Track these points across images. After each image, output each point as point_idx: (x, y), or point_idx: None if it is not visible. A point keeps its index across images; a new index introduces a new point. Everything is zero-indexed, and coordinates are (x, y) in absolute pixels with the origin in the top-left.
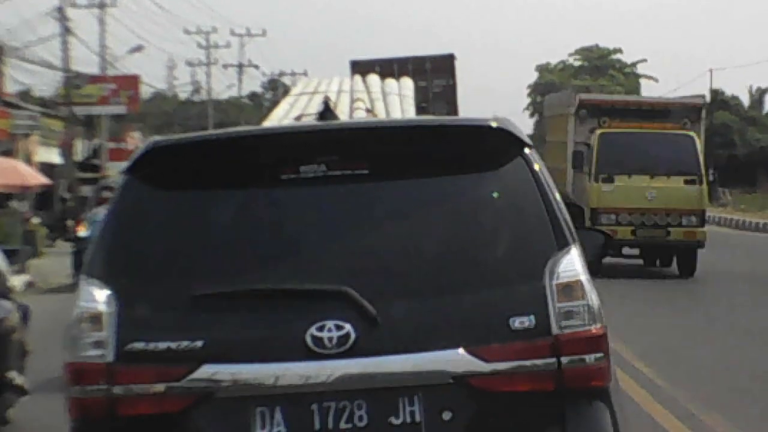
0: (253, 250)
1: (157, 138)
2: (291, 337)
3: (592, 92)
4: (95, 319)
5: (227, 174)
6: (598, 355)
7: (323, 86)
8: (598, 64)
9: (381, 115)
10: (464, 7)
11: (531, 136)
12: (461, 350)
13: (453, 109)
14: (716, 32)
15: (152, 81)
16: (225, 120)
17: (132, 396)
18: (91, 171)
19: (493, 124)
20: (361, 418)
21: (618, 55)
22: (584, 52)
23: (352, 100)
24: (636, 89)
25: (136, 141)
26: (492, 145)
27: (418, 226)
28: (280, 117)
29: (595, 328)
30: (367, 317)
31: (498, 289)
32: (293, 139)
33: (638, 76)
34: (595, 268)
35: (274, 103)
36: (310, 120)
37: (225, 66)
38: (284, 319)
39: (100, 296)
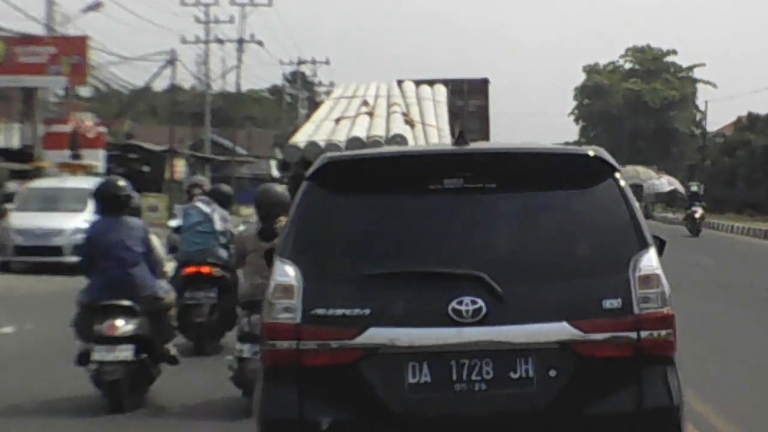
0: (408, 241)
1: (330, 154)
2: (437, 309)
3: (645, 97)
4: (287, 290)
5: (387, 182)
6: (669, 330)
7: (361, 91)
8: (652, 67)
9: (416, 119)
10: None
11: (577, 143)
12: (565, 323)
13: (485, 126)
14: None
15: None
16: (231, 114)
17: (314, 350)
18: (21, 161)
19: (591, 153)
20: (487, 373)
21: (672, 58)
22: (636, 53)
23: (389, 105)
24: (692, 95)
25: (86, 126)
26: (590, 168)
27: (533, 229)
28: (321, 118)
29: (666, 310)
30: (495, 295)
31: (594, 278)
32: (439, 158)
33: (695, 80)
34: None
35: (295, 99)
36: (445, 143)
37: (221, 41)
38: (432, 295)
39: (290, 273)
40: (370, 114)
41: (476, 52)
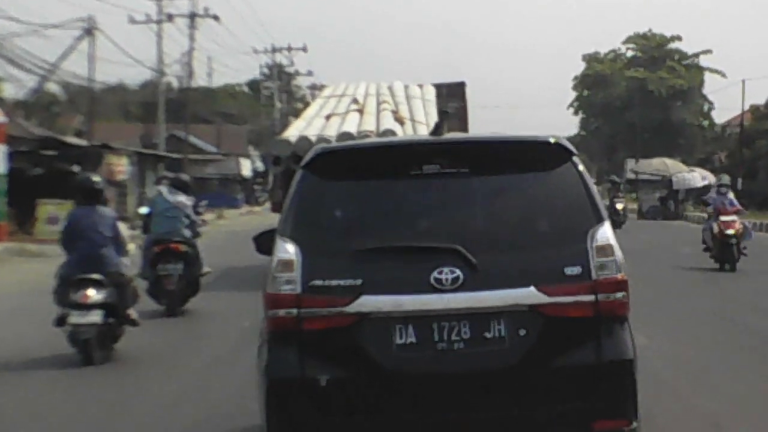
0: (393, 220)
1: (323, 145)
2: (420, 278)
3: (649, 86)
4: (288, 264)
5: (373, 169)
6: (623, 293)
7: (351, 89)
8: (655, 54)
9: (406, 116)
10: None
11: (577, 136)
12: (532, 288)
13: (464, 126)
14: None
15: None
16: (203, 109)
17: (313, 316)
18: None
19: (552, 140)
20: (465, 333)
21: (677, 44)
22: (638, 40)
23: (379, 102)
24: (700, 84)
25: None
26: (552, 153)
27: (502, 207)
28: (312, 115)
29: (620, 276)
30: (471, 265)
31: (557, 248)
32: (418, 147)
33: (702, 69)
34: None
35: (271, 94)
36: (421, 133)
37: (170, 16)
38: (415, 266)
39: (291, 249)
40: (360, 111)
41: (470, 45)
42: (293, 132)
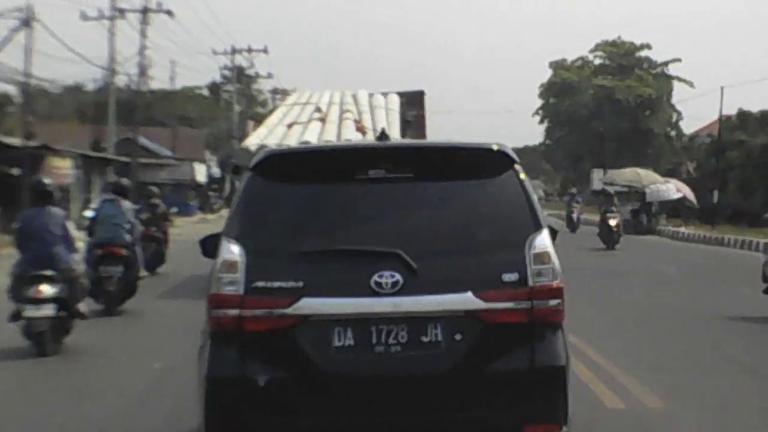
0: (337, 223)
1: (272, 148)
2: (361, 282)
3: (617, 95)
4: (232, 265)
5: (320, 173)
6: (558, 300)
7: (315, 98)
8: (624, 62)
9: (368, 126)
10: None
11: (542, 146)
12: (470, 294)
13: (422, 134)
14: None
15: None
16: (161, 112)
17: (254, 317)
18: None
19: (495, 148)
20: (403, 337)
21: (646, 52)
22: (606, 48)
23: (342, 111)
24: (668, 93)
25: None
26: (494, 160)
27: (444, 213)
28: (275, 123)
29: (555, 283)
30: (411, 270)
31: (495, 254)
32: (364, 152)
33: (670, 78)
34: None
35: (228, 96)
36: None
37: (121, 11)
38: (357, 269)
39: (235, 251)
40: (323, 120)
41: (436, 49)
42: (254, 140)
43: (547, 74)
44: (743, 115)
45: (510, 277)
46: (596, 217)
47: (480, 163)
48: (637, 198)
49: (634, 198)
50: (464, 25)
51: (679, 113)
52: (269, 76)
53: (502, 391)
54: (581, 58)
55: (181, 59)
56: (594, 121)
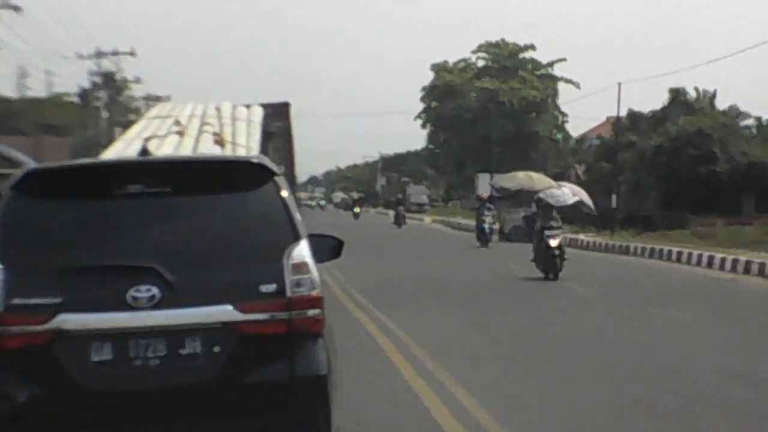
0: (96, 239)
1: (34, 165)
2: (117, 296)
3: (501, 97)
4: None
5: (80, 189)
6: (317, 311)
7: (176, 111)
8: (508, 63)
9: (228, 138)
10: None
11: (424, 150)
12: (228, 306)
13: (288, 145)
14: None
15: None
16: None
17: (12, 334)
18: None
19: (254, 161)
20: (161, 350)
21: (530, 53)
22: (490, 49)
23: (202, 124)
24: (554, 95)
25: None
26: (254, 173)
27: (203, 226)
28: (132, 137)
29: (314, 293)
30: (168, 284)
31: (254, 266)
32: (123, 167)
33: (555, 78)
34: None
35: (100, 103)
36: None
37: None
38: (114, 284)
39: None
40: (181, 134)
41: (313, 50)
42: (110, 155)
43: (429, 77)
44: (633, 116)
45: (268, 288)
46: (495, 225)
47: (240, 176)
48: (529, 203)
49: (525, 203)
50: (342, 26)
51: (565, 115)
52: (137, 80)
53: (263, 401)
54: (464, 60)
55: (44, 64)
56: (478, 125)
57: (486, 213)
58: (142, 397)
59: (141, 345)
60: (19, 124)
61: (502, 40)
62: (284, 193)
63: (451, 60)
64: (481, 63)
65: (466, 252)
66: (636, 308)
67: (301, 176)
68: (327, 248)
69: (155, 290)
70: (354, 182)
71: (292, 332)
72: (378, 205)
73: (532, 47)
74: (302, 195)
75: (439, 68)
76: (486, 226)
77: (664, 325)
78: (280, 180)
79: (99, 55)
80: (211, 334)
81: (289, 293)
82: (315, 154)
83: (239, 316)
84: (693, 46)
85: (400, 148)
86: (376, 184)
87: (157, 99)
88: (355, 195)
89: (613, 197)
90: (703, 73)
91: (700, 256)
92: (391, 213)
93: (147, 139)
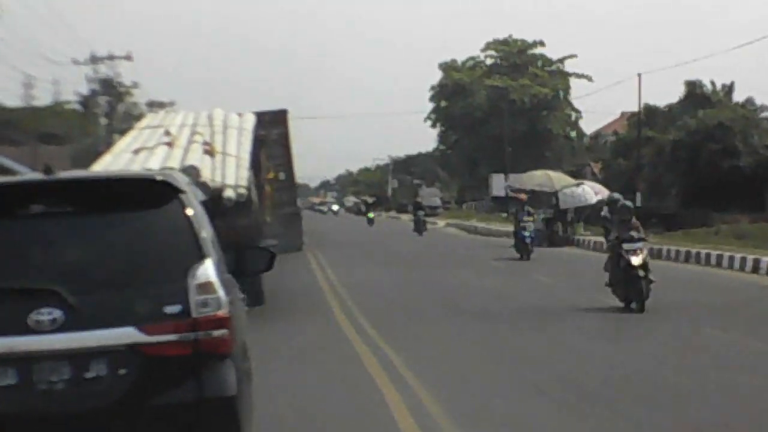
0: None
1: None
2: (18, 320)
3: (512, 95)
4: None
5: None
6: (224, 331)
7: (167, 121)
8: (517, 60)
9: (218, 147)
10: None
11: (436, 151)
12: (132, 328)
13: (287, 152)
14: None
15: None
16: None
17: None
18: None
19: (159, 178)
20: (65, 374)
21: (540, 50)
22: (498, 46)
23: (192, 134)
24: (566, 91)
25: None
26: (158, 191)
27: (106, 246)
28: (122, 149)
29: (221, 313)
30: (71, 306)
31: (158, 287)
32: (25, 187)
33: (567, 74)
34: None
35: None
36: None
37: None
38: (14, 307)
39: None
40: (170, 144)
41: (320, 49)
42: (98, 169)
43: (437, 76)
44: (650, 110)
45: (172, 309)
46: (511, 228)
47: (143, 194)
48: (549, 204)
49: (545, 205)
50: (348, 25)
51: (578, 112)
52: (135, 85)
53: (172, 424)
54: (472, 58)
55: (41, 72)
56: (489, 124)
57: (526, 218)
58: (49, 422)
59: (45, 369)
60: (16, 133)
61: (510, 36)
62: (189, 211)
63: (459, 58)
64: (489, 61)
65: (502, 265)
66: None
67: (314, 181)
68: (259, 261)
69: (57, 313)
70: (365, 186)
71: (199, 353)
72: (390, 209)
73: (541, 43)
74: (314, 200)
75: (447, 67)
76: (527, 233)
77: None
78: (186, 197)
79: (94, 60)
80: (116, 356)
81: (194, 314)
82: (326, 157)
83: (144, 338)
84: (706, 37)
85: (410, 150)
86: (388, 187)
87: (161, 105)
88: (369, 199)
89: (638, 195)
90: (717, 65)
91: (743, 259)
92: (404, 217)
93: (136, 152)
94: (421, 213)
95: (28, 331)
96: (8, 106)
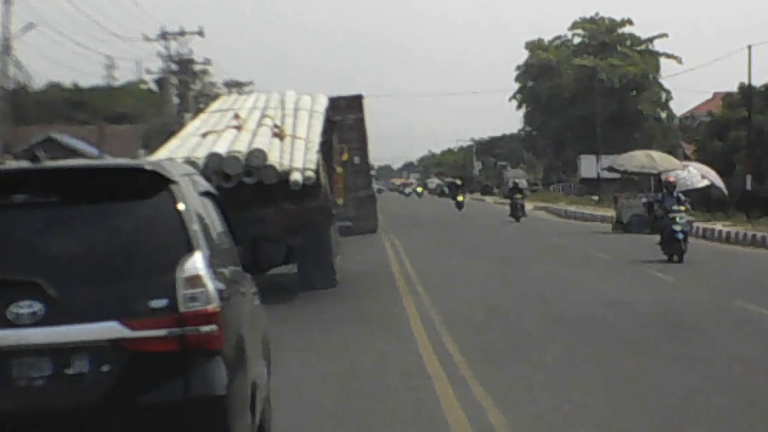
0: None
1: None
2: None
3: (600, 75)
4: None
5: None
6: (213, 327)
7: (238, 104)
8: (606, 39)
9: (288, 130)
10: None
11: (522, 132)
12: (115, 322)
13: (362, 137)
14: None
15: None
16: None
17: None
18: None
19: (148, 168)
20: (46, 369)
21: (628, 28)
22: (586, 25)
23: (261, 117)
24: (655, 71)
25: None
26: (147, 180)
27: (91, 238)
28: (190, 133)
29: (210, 308)
30: (52, 299)
31: (144, 280)
32: (8, 175)
33: (656, 54)
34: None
35: (173, 90)
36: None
37: None
38: None
39: None
40: (239, 128)
41: (405, 29)
42: (163, 153)
43: (523, 55)
44: (746, 90)
45: (158, 303)
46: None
47: (132, 184)
48: (649, 187)
49: (646, 187)
50: (435, 3)
51: (668, 92)
52: (206, 62)
53: (156, 423)
54: (559, 37)
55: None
56: (577, 104)
57: (676, 208)
58: (29, 419)
59: (25, 364)
60: (87, 113)
61: (597, 14)
62: (179, 202)
63: (546, 37)
64: (577, 40)
65: (642, 270)
66: None
67: (397, 162)
68: (275, 254)
69: (38, 306)
70: (448, 167)
71: (186, 350)
72: (474, 191)
73: (630, 22)
74: (396, 181)
75: (534, 46)
76: (678, 228)
77: None
78: (177, 188)
79: (165, 36)
80: (99, 352)
81: (181, 308)
82: (409, 139)
83: (128, 333)
84: None
85: (492, 132)
86: (473, 169)
87: (238, 85)
88: (458, 181)
89: (747, 178)
90: None
91: None
92: (488, 199)
93: (204, 135)
94: (518, 197)
95: (7, 324)
96: (84, 86)
